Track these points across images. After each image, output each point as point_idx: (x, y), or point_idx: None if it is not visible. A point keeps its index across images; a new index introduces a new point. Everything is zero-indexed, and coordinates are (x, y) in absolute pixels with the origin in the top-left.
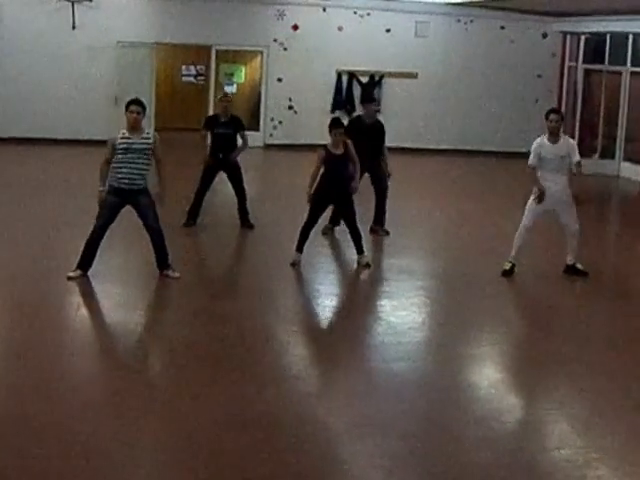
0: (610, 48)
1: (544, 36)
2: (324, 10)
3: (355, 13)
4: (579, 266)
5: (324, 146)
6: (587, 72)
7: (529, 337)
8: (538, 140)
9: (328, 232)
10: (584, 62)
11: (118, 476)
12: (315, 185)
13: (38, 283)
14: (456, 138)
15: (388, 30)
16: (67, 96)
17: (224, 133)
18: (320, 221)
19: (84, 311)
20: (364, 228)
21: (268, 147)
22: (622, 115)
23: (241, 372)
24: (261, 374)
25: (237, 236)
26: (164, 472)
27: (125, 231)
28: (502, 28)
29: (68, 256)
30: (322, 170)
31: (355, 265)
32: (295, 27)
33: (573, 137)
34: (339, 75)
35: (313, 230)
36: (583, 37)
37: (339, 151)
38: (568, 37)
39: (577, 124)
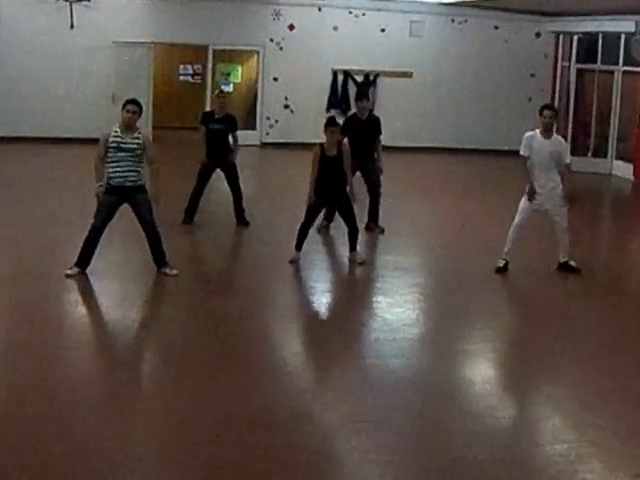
0: (602, 48)
1: (537, 36)
2: (319, 10)
3: (350, 13)
4: (572, 263)
5: (320, 145)
6: (580, 72)
7: (522, 333)
8: (530, 132)
9: (323, 230)
10: (577, 62)
11: (117, 474)
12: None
13: (37, 281)
14: (450, 137)
15: (383, 30)
16: (65, 95)
17: (217, 129)
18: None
19: (82, 309)
20: (359, 226)
21: (264, 146)
22: (614, 114)
23: (238, 369)
24: (258, 370)
25: (233, 234)
26: (162, 469)
27: (124, 229)
28: (496, 28)
29: (67, 254)
30: (317, 172)
31: (348, 262)
32: (291, 27)
33: (566, 136)
34: (334, 74)
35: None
36: (576, 37)
37: (333, 153)
38: (561, 37)
39: (570, 123)
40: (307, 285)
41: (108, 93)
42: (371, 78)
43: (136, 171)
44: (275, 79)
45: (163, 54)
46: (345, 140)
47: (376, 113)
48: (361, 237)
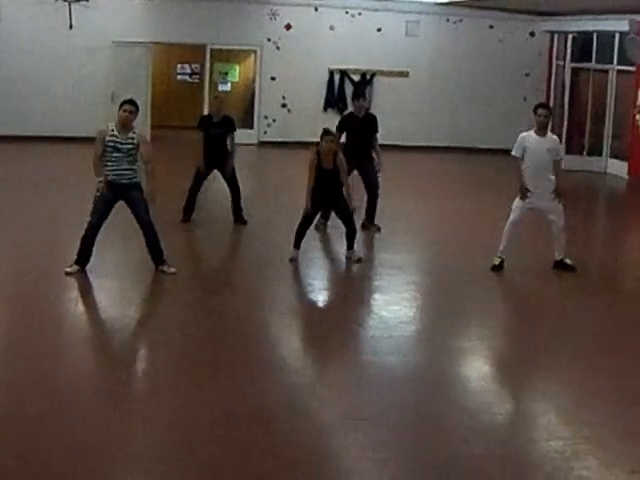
0: (597, 47)
1: (532, 35)
2: (316, 10)
3: (347, 13)
4: (567, 261)
5: (317, 151)
6: (574, 70)
7: (518, 331)
8: (524, 133)
9: (321, 227)
10: (571, 61)
11: (116, 473)
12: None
13: (37, 279)
14: (446, 136)
15: (379, 29)
16: (65, 95)
17: (216, 134)
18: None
19: (82, 307)
20: (356, 225)
21: (262, 144)
22: (609, 113)
23: (236, 366)
24: (256, 368)
25: (231, 232)
26: (162, 468)
27: (123, 227)
28: (491, 27)
29: (66, 252)
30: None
31: (345, 260)
32: (288, 27)
33: (561, 134)
34: (331, 74)
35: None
36: (570, 36)
37: (329, 166)
38: (555, 36)
39: (565, 122)
40: (305, 283)
41: (107, 92)
42: (367, 77)
43: (131, 169)
44: (272, 78)
45: (161, 54)
46: (340, 154)
47: (372, 112)
48: (358, 235)
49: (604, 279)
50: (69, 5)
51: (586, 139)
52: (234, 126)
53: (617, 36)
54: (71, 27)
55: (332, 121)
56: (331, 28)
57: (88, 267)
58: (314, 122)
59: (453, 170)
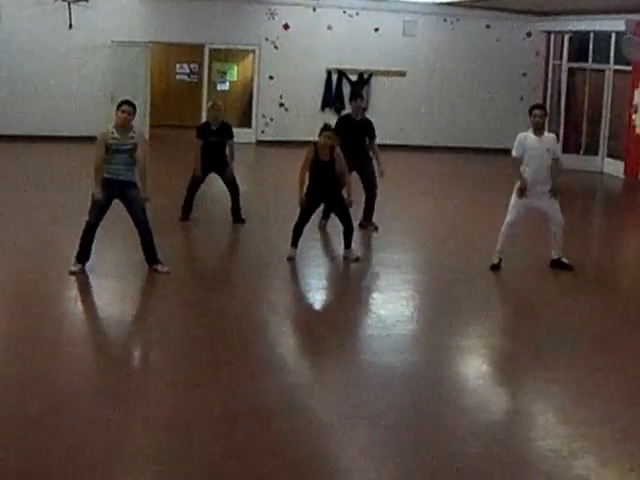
0: (594, 47)
1: (529, 35)
2: (314, 10)
3: (344, 13)
4: (565, 260)
5: (314, 145)
6: (571, 70)
7: (515, 330)
8: (522, 134)
9: (322, 223)
10: (568, 60)
11: (115, 471)
12: (305, 189)
13: (36, 278)
14: (443, 135)
15: (376, 29)
16: (64, 94)
17: (215, 142)
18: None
19: (81, 306)
20: (354, 224)
21: (260, 143)
22: (605, 112)
23: (235, 365)
24: (255, 367)
25: (229, 231)
26: (161, 466)
27: (121, 226)
28: (488, 27)
29: (66, 252)
30: (309, 176)
31: (342, 259)
32: (286, 26)
33: (558, 134)
34: (329, 73)
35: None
36: (567, 36)
37: (326, 158)
38: (552, 36)
39: (562, 121)
40: (302, 282)
41: (106, 92)
42: (365, 77)
43: (128, 168)
44: (270, 78)
45: (160, 53)
46: (337, 148)
47: (370, 112)
48: (355, 235)
49: (601, 278)
50: (68, 5)
51: (583, 138)
52: (232, 133)
53: (613, 36)
54: (70, 27)
55: (330, 121)
56: (329, 28)
57: (87, 266)
58: (312, 121)
59: (450, 169)
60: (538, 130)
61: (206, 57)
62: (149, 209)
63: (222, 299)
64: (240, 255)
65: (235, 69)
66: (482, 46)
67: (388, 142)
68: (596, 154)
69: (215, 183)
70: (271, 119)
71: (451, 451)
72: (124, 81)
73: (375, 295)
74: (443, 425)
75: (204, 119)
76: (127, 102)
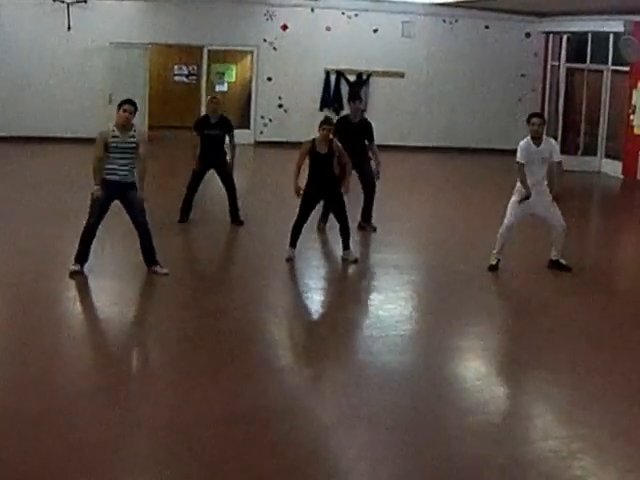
0: (592, 47)
1: (527, 36)
2: (312, 11)
3: (343, 14)
4: (563, 261)
5: (312, 140)
6: (569, 71)
7: (514, 331)
8: (523, 142)
9: (322, 228)
10: (566, 61)
11: (115, 471)
12: (304, 184)
13: (35, 279)
14: (441, 136)
15: (375, 30)
16: (63, 95)
17: (214, 135)
18: (313, 219)
19: (80, 307)
20: (352, 225)
21: (258, 144)
22: (603, 113)
23: (233, 365)
24: (254, 367)
25: (228, 232)
26: (160, 466)
27: (120, 227)
28: (486, 28)
29: (65, 252)
30: (308, 169)
31: (341, 260)
32: (284, 27)
33: (556, 135)
34: (327, 74)
35: (305, 226)
36: (565, 37)
37: (323, 150)
38: (551, 37)
39: (560, 122)
40: (301, 283)
41: (105, 93)
42: (364, 78)
43: (128, 168)
44: (269, 79)
45: (158, 55)
46: (336, 141)
47: (368, 113)
48: (354, 236)
49: (599, 279)
50: (67, 6)
51: (581, 139)
52: (232, 126)
53: (611, 37)
54: (69, 28)
55: None
56: (327, 29)
57: (86, 267)
58: (310, 122)
59: (449, 170)
60: (536, 139)
61: (204, 58)
62: (148, 210)
63: (221, 300)
64: (239, 256)
65: (234, 70)
66: (481, 47)
67: (387, 143)
68: (594, 154)
69: (213, 184)
70: (270, 120)
71: (450, 452)
72: (123, 82)
73: (374, 296)
74: (442, 426)
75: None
76: (128, 101)
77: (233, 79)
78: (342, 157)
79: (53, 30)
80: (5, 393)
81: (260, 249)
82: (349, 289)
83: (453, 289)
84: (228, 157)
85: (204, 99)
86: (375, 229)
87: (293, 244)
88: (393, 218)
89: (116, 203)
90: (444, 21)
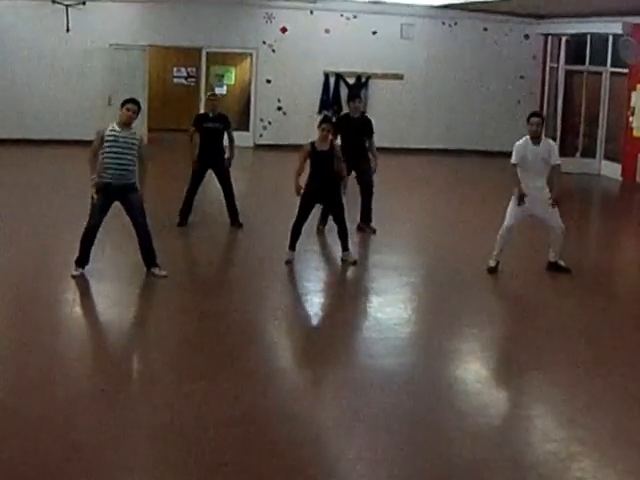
0: (591, 49)
1: (526, 38)
2: (311, 13)
3: (342, 16)
4: (561, 263)
5: (311, 143)
6: (568, 73)
7: (513, 332)
8: (521, 141)
9: (321, 230)
10: (565, 63)
11: (114, 474)
12: (305, 183)
13: (36, 280)
14: (441, 138)
15: (374, 32)
16: (62, 97)
17: (212, 127)
18: (312, 221)
19: (80, 309)
20: (351, 226)
21: (258, 147)
22: (602, 115)
23: (232, 367)
24: (252, 370)
25: (227, 235)
26: (158, 469)
27: (119, 229)
28: (485, 30)
29: (64, 255)
30: (309, 168)
31: (340, 262)
32: (283, 30)
33: (555, 137)
34: (326, 76)
35: (304, 228)
36: (564, 39)
37: (325, 147)
38: (549, 39)
39: (559, 124)
40: (300, 285)
41: (104, 95)
42: (363, 80)
43: (129, 169)
44: (268, 81)
45: (157, 57)
46: (336, 143)
47: (367, 115)
48: (353, 237)
49: (598, 281)
50: (66, 8)
51: (580, 141)
52: (230, 123)
53: (610, 38)
54: (68, 30)
55: None
56: (326, 31)
57: (87, 269)
58: (309, 125)
59: (448, 172)
60: (535, 138)
61: (203, 61)
62: (147, 212)
63: (220, 302)
64: (238, 259)
65: (233, 73)
66: (479, 49)
67: (386, 145)
68: (593, 157)
69: (212, 186)
70: (269, 122)
71: (450, 454)
72: (122, 84)
73: (373, 298)
74: (442, 428)
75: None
76: (132, 100)
77: (232, 81)
78: (338, 161)
79: (52, 32)
80: (5, 394)
81: (259, 251)
82: (348, 291)
83: (452, 291)
84: (226, 155)
85: (203, 102)
86: (374, 230)
87: (292, 247)
88: (392, 219)
89: (116, 205)
90: (443, 23)
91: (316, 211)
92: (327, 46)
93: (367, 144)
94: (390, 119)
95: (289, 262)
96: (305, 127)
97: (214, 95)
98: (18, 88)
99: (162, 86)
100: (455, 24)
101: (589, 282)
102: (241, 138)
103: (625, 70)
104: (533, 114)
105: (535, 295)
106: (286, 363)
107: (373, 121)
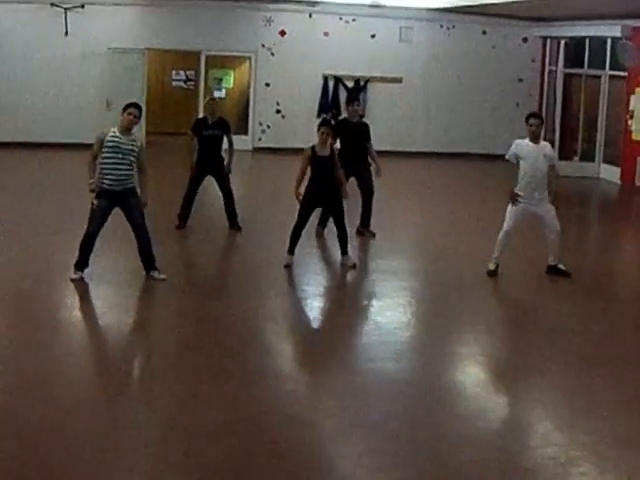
0: (589, 52)
1: (525, 41)
2: (310, 16)
3: (341, 19)
4: (561, 266)
5: (312, 146)
6: (567, 76)
7: (513, 336)
8: (519, 140)
9: (319, 229)
10: (564, 66)
11: (112, 475)
12: (305, 187)
13: (35, 284)
14: (439, 141)
15: (373, 35)
16: (60, 101)
17: (211, 135)
18: (311, 224)
19: (79, 313)
20: (351, 230)
21: (256, 151)
22: (601, 118)
23: (231, 372)
24: (251, 375)
25: (226, 238)
26: (158, 474)
27: (118, 233)
28: (483, 33)
29: (64, 258)
30: (309, 172)
31: (339, 266)
32: (282, 33)
33: (554, 140)
34: (325, 80)
35: (303, 232)
36: (563, 42)
37: (325, 152)
38: (548, 42)
39: (557, 128)
40: (300, 289)
41: (102, 99)
42: (361, 83)
43: (128, 175)
44: (267, 84)
45: (156, 60)
46: (335, 145)
47: (366, 118)
48: (353, 241)
49: (598, 285)
50: (65, 12)
51: (579, 145)
52: (229, 128)
53: (609, 41)
54: (66, 34)
55: None
56: (325, 34)
57: (86, 273)
58: (308, 128)
59: (447, 176)
60: (535, 139)
61: (202, 64)
62: (146, 216)
63: (219, 307)
64: (237, 262)
65: (231, 76)
66: (478, 52)
67: (384, 148)
68: (592, 160)
69: (211, 189)
70: (268, 126)
71: (449, 459)
72: (120, 88)
73: (372, 302)
74: (441, 433)
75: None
76: (134, 105)
77: (231, 85)
78: (337, 168)
79: (51, 35)
80: (5, 397)
81: (258, 255)
82: (348, 295)
83: (451, 295)
84: (225, 161)
85: (202, 105)
86: (374, 235)
87: (291, 251)
88: (391, 223)
89: (115, 208)
90: (441, 26)
91: (315, 215)
92: (326, 49)
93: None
94: (389, 122)
95: (288, 266)
96: (304, 130)
97: (213, 99)
98: (16, 92)
99: (161, 89)
100: (453, 27)
101: (589, 285)
102: (240, 141)
103: (624, 73)
104: (532, 115)
105: (535, 298)
106: (285, 367)
107: (371, 127)
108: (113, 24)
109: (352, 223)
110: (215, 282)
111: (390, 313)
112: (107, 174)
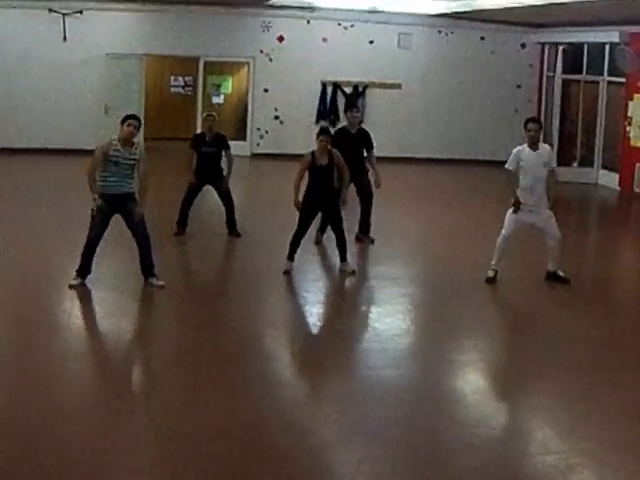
0: (588, 58)
1: (523, 47)
2: (309, 22)
3: (339, 25)
4: (560, 273)
5: (312, 153)
6: (565, 82)
7: (512, 343)
8: (519, 147)
9: (318, 235)
10: (562, 72)
11: (111, 477)
12: (303, 195)
13: (34, 290)
14: (438, 147)
15: (371, 41)
16: (59, 107)
17: (209, 152)
18: (311, 231)
19: (78, 319)
20: (349, 237)
21: (255, 157)
22: (600, 124)
23: (230, 379)
24: (250, 381)
25: (225, 244)
26: (156, 477)
27: (117, 238)
28: (482, 39)
29: (64, 264)
30: (307, 181)
31: (338, 272)
32: (281, 39)
33: (552, 146)
34: (324, 86)
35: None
36: (561, 47)
37: (324, 162)
38: (546, 48)
39: (556, 133)
40: (298, 295)
41: (100, 104)
42: (360, 89)
43: (129, 182)
44: (265, 90)
45: (155, 66)
46: (335, 151)
47: (365, 124)
48: (351, 248)
49: (597, 291)
50: (63, 17)
51: (577, 150)
52: (228, 144)
53: (607, 47)
54: (65, 39)
55: None
56: (324, 40)
57: (87, 279)
58: (307, 134)
59: (446, 182)
60: (533, 144)
61: (201, 70)
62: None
63: (217, 313)
64: (236, 269)
65: (230, 82)
66: (477, 58)
67: (383, 154)
68: (591, 166)
69: (210, 195)
70: (266, 132)
71: (449, 466)
72: (119, 94)
73: (371, 308)
74: (440, 440)
75: (199, 131)
76: (133, 117)
77: (229, 90)
78: (341, 168)
79: (49, 41)
80: (4, 402)
81: (258, 261)
82: (347, 302)
83: (451, 302)
84: (224, 172)
85: (200, 110)
86: (373, 241)
87: (291, 257)
88: (390, 230)
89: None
90: (440, 32)
91: (315, 221)
92: (324, 55)
93: (366, 156)
94: (388, 128)
95: (287, 272)
96: (302, 136)
97: (211, 115)
98: (14, 97)
99: (159, 95)
100: (452, 33)
101: (588, 292)
102: (238, 147)
103: (622, 79)
104: (531, 120)
105: (534, 305)
106: (285, 373)
107: (371, 132)
108: (111, 30)
109: (351, 229)
110: (214, 288)
111: (389, 319)
112: (107, 180)
